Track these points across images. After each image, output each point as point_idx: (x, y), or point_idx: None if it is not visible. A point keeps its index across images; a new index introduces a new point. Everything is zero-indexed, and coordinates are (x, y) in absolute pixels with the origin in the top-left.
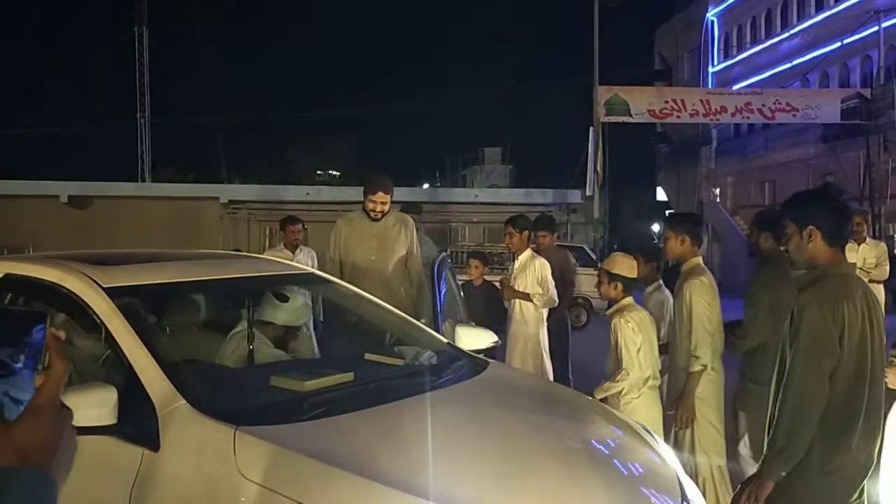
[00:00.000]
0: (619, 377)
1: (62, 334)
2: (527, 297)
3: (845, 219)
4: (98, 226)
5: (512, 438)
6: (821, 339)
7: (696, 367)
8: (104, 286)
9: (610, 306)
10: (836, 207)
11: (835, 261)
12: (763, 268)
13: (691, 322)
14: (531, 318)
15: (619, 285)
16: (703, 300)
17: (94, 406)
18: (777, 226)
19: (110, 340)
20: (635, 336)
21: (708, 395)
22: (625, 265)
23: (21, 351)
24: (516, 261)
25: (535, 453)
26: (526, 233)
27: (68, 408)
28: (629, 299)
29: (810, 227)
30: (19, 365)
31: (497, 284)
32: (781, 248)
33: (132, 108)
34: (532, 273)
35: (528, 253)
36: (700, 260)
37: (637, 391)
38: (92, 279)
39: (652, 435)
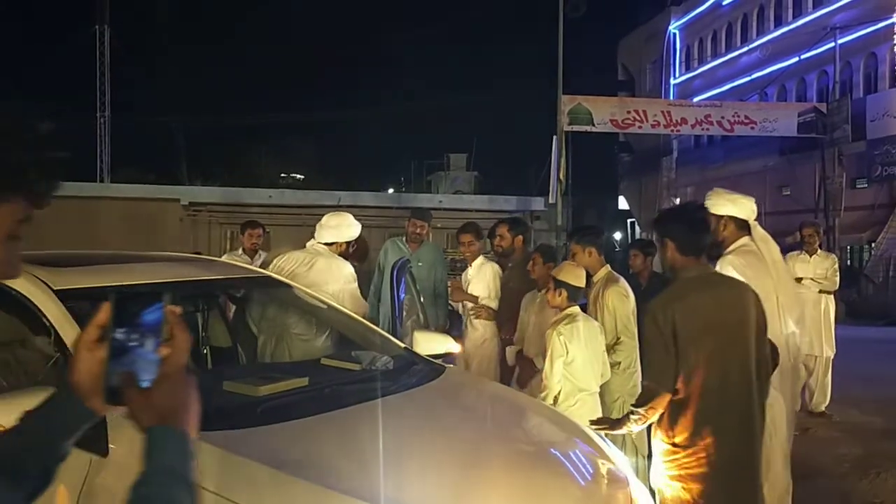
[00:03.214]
0: (542, 391)
1: (178, 309)
2: (475, 299)
3: (698, 232)
4: (55, 226)
5: (466, 444)
6: (649, 331)
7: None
8: (55, 288)
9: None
10: (689, 223)
11: (687, 266)
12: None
13: (616, 329)
14: (483, 323)
15: (564, 293)
16: (624, 306)
17: None
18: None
19: (59, 344)
20: (562, 349)
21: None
22: (571, 273)
23: (137, 331)
24: (470, 266)
25: (489, 459)
26: (481, 242)
27: (192, 374)
28: (573, 308)
29: (667, 238)
30: (135, 344)
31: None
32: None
33: (92, 106)
34: (484, 279)
35: (480, 259)
36: (609, 268)
37: (573, 398)
38: (42, 281)
39: (604, 439)
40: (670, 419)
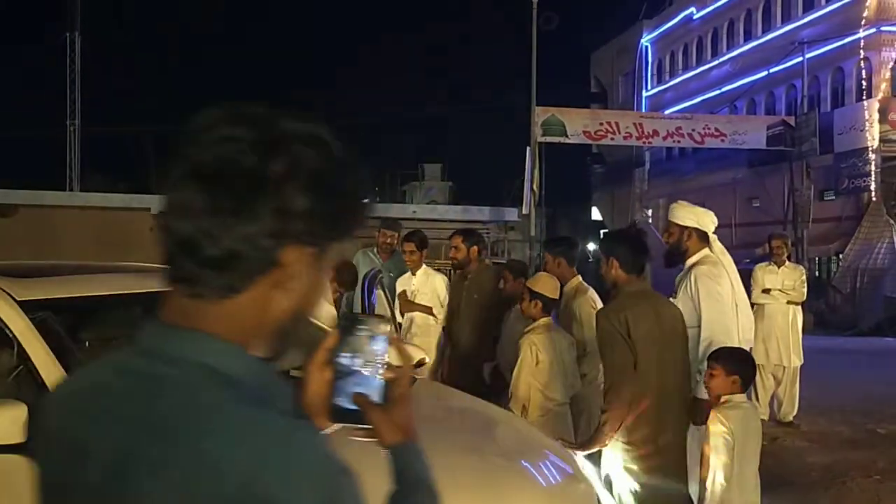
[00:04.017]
0: (510, 400)
1: (396, 337)
2: (429, 310)
3: (639, 252)
4: (23, 236)
5: (434, 455)
6: (608, 333)
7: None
8: (18, 299)
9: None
10: (632, 243)
11: (629, 282)
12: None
13: (584, 339)
14: (433, 332)
15: (539, 304)
16: (592, 317)
17: (3, 423)
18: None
19: (23, 355)
20: (532, 358)
21: None
22: (547, 285)
23: (362, 356)
24: (414, 276)
25: (456, 470)
26: (425, 251)
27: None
28: (546, 319)
29: (612, 257)
30: (357, 368)
31: None
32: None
33: (62, 114)
34: (431, 289)
35: (424, 268)
36: (580, 279)
37: (541, 409)
38: (5, 291)
39: (572, 451)
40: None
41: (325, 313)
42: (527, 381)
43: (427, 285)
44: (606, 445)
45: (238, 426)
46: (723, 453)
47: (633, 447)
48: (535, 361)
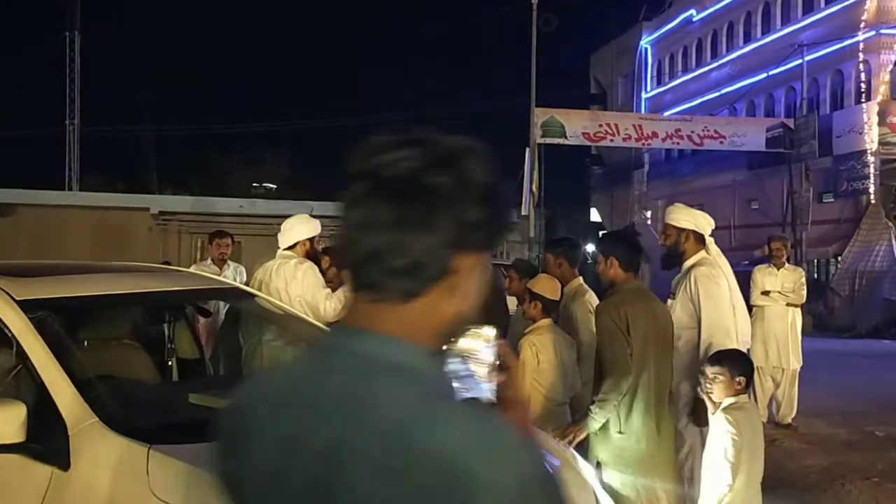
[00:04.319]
0: None
1: (504, 342)
2: None
3: (636, 252)
4: (22, 235)
5: None
6: (609, 327)
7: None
8: (17, 299)
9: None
10: (630, 244)
11: (627, 280)
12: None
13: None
14: None
15: (539, 305)
16: (589, 319)
17: (2, 423)
18: None
19: (22, 355)
20: (533, 358)
21: None
22: (547, 286)
23: (468, 358)
24: None
25: None
26: None
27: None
28: (547, 320)
29: (612, 257)
30: (470, 373)
31: None
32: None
33: (61, 113)
34: None
35: None
36: (581, 280)
37: (542, 410)
38: (4, 291)
39: (572, 452)
40: (619, 411)
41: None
42: (528, 382)
43: None
44: (589, 432)
45: (442, 417)
46: (733, 455)
47: (628, 438)
48: (536, 362)
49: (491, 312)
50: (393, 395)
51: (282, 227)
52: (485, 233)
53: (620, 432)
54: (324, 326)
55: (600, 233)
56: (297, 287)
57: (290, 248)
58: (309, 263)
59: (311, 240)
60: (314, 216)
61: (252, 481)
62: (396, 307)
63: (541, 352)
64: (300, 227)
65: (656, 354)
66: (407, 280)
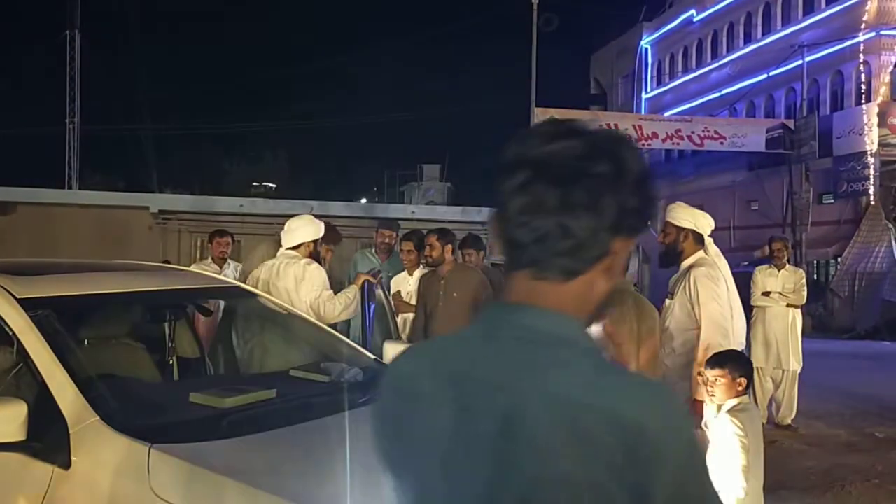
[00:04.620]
0: None
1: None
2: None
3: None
4: (22, 234)
5: None
6: None
7: None
8: (18, 297)
9: None
10: None
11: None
12: None
13: None
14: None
15: None
16: None
17: (2, 421)
18: None
19: (23, 353)
20: None
21: None
22: None
23: None
24: (411, 276)
25: None
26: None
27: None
28: None
29: None
30: None
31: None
32: None
33: (61, 112)
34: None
35: (420, 269)
36: None
37: None
38: (5, 289)
39: None
40: None
41: (331, 302)
42: None
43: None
44: None
45: (619, 384)
46: (744, 457)
47: None
48: None
49: None
50: (569, 364)
51: (287, 226)
52: (639, 218)
53: None
54: (326, 327)
55: None
56: (306, 288)
57: (295, 248)
58: (316, 265)
59: (314, 241)
60: (315, 216)
61: (430, 440)
62: (557, 285)
63: None
64: (307, 228)
65: (639, 353)
66: (570, 260)
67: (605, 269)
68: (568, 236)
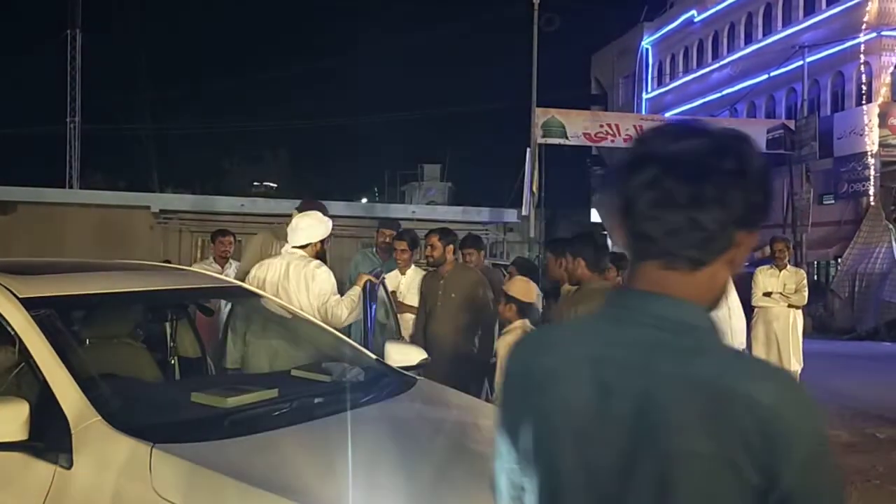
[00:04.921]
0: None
1: None
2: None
3: (603, 254)
4: (22, 233)
5: (436, 457)
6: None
7: None
8: (20, 296)
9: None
10: (596, 246)
11: (592, 279)
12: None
13: None
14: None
15: (514, 307)
16: None
17: (4, 421)
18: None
19: (25, 353)
20: None
21: None
22: (522, 289)
23: None
24: (403, 275)
25: (459, 472)
26: (416, 250)
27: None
28: (522, 322)
29: (579, 257)
30: None
31: None
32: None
33: (62, 111)
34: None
35: (413, 268)
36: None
37: None
38: (7, 289)
39: None
40: None
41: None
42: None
43: (417, 285)
44: None
45: (756, 372)
46: None
47: None
48: None
49: (492, 310)
50: (706, 351)
51: (295, 223)
52: (761, 212)
53: None
54: (327, 327)
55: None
56: (315, 291)
57: (301, 246)
58: (326, 268)
59: (322, 241)
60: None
61: (564, 414)
62: (685, 275)
63: None
64: (317, 228)
65: None
66: (698, 252)
67: (729, 261)
68: (698, 229)
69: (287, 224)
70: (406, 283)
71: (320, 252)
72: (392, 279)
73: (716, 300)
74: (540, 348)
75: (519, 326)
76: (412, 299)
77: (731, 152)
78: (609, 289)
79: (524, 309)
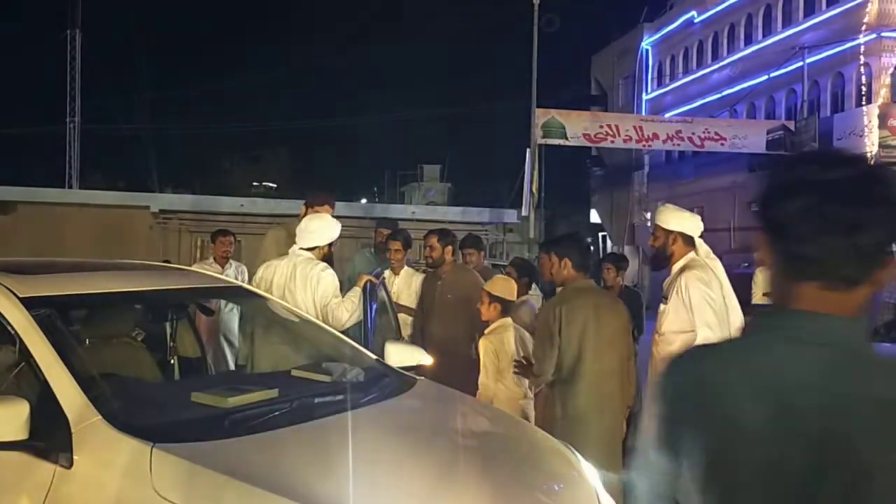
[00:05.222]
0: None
1: None
2: (411, 311)
3: (588, 254)
4: (22, 233)
5: (436, 456)
6: (542, 325)
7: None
8: (20, 296)
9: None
10: (581, 246)
11: (576, 279)
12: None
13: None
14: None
15: (498, 306)
16: None
17: (4, 420)
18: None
19: (25, 352)
20: (493, 357)
21: None
22: (504, 287)
23: None
24: (396, 276)
25: (459, 472)
26: (409, 250)
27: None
28: (505, 320)
29: (566, 258)
30: None
31: None
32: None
33: (62, 111)
34: (412, 288)
35: (407, 269)
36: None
37: (508, 405)
38: (7, 288)
39: (573, 452)
40: (561, 395)
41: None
42: (493, 379)
43: (410, 286)
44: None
45: None
46: None
47: (568, 417)
48: (497, 362)
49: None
50: (877, 366)
51: (305, 225)
52: None
53: (561, 414)
54: (328, 327)
55: (568, 235)
56: (319, 294)
57: (310, 248)
58: (331, 272)
59: (330, 244)
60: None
61: (748, 431)
62: (842, 294)
63: (500, 351)
64: (327, 231)
65: (597, 345)
66: (856, 272)
67: (877, 280)
68: (858, 251)
69: (298, 221)
70: (399, 284)
71: (327, 255)
72: (386, 279)
73: (862, 315)
74: (713, 363)
75: (503, 325)
76: (406, 300)
77: (882, 180)
78: (590, 287)
79: (507, 308)
